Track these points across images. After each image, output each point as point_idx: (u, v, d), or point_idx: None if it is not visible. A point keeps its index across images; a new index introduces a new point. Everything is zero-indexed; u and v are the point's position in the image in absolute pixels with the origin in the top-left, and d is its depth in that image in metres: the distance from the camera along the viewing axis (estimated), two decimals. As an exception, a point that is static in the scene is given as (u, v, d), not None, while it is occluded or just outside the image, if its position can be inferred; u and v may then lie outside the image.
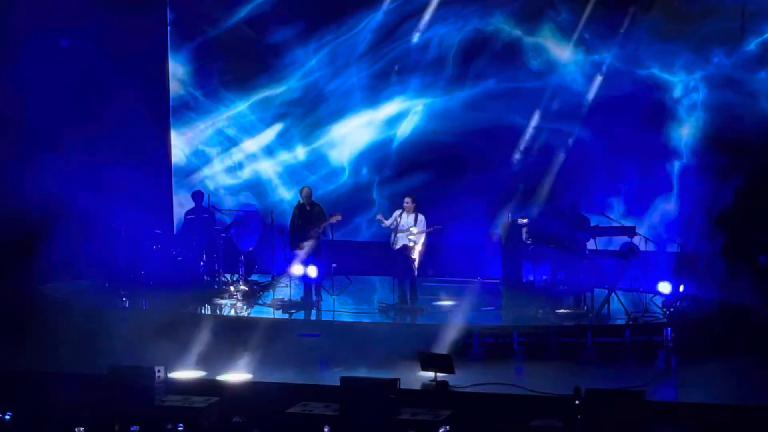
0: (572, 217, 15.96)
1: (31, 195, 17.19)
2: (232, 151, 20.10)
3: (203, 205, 17.74)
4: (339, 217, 16.58)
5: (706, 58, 17.63)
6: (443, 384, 13.00)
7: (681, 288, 15.71)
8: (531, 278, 16.44)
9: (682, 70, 17.84)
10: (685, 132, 17.90)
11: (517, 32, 18.44)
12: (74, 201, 17.35)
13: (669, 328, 14.73)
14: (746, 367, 13.79)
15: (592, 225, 16.11)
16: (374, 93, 19.28)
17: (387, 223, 16.24)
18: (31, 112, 17.61)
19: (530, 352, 14.40)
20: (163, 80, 19.99)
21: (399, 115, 19.22)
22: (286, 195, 19.64)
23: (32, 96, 17.44)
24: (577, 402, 11.61)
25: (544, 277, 16.24)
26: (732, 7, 17.34)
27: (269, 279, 17.63)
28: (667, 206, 17.91)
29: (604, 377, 13.18)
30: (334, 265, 17.12)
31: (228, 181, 20.13)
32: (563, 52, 18.29)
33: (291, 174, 19.82)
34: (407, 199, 16.09)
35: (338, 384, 12.45)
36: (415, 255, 15.96)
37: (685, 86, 17.84)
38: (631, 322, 14.99)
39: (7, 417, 11.32)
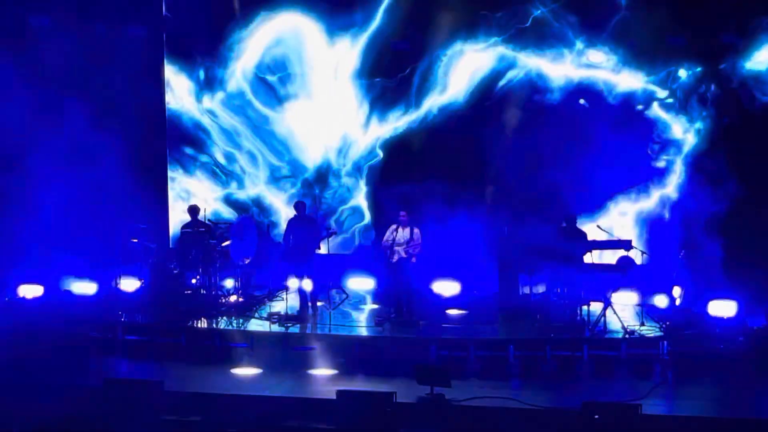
0: (569, 232, 15.99)
1: (28, 210, 17.20)
2: (226, 166, 20.09)
3: (199, 218, 17.75)
4: (335, 232, 16.64)
5: (707, 71, 17.72)
6: (440, 397, 13.00)
7: (678, 301, 15.77)
8: (527, 292, 16.47)
9: (682, 81, 17.92)
10: (682, 142, 17.99)
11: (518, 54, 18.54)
12: (69, 215, 17.36)
13: (665, 342, 14.74)
14: (741, 381, 13.81)
15: (588, 239, 16.12)
16: (372, 108, 19.33)
17: (387, 242, 16.20)
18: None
19: (526, 366, 14.38)
20: (160, 93, 20.01)
21: (396, 131, 19.27)
22: (281, 208, 19.65)
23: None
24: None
25: (541, 290, 16.26)
26: (733, 22, 17.43)
27: (266, 292, 17.62)
28: (663, 217, 17.99)
29: (600, 391, 13.18)
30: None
31: (222, 194, 20.12)
32: (560, 68, 18.38)
33: (284, 188, 19.83)
34: (402, 213, 16.13)
35: (335, 398, 12.47)
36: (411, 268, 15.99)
37: (685, 97, 17.93)
38: (627, 336, 14.99)
39: None
